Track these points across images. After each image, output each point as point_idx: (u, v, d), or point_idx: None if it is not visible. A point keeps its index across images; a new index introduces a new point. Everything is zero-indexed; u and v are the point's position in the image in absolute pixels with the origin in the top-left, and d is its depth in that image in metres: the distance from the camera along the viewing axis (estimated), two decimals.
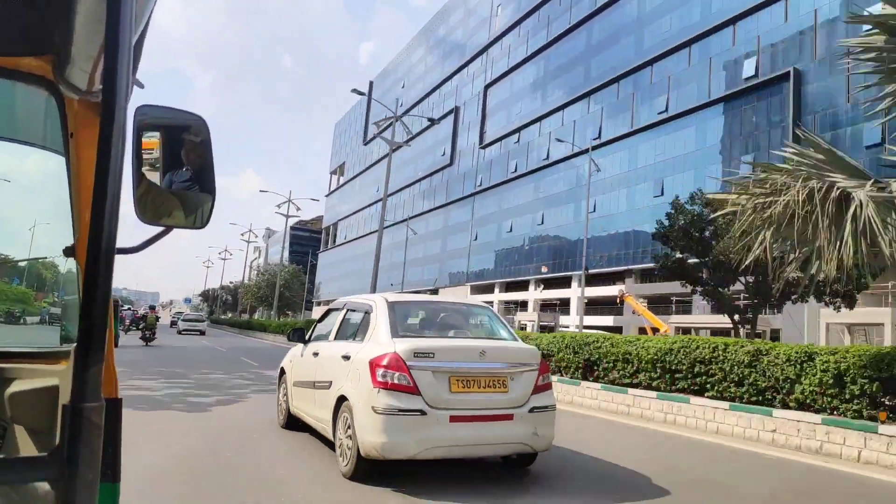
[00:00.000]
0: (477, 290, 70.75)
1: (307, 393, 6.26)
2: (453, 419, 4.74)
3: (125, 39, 0.86)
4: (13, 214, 1.98)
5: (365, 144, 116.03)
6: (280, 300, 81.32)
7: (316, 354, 6.29)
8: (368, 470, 4.85)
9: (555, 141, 59.19)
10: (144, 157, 1.32)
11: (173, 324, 55.92)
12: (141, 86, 1.71)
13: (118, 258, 0.96)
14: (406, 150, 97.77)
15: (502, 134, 68.51)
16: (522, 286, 62.35)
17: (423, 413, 4.68)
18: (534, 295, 60.03)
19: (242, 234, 72.07)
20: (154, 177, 1.33)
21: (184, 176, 1.37)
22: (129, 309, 39.07)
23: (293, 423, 6.86)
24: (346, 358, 5.35)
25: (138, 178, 1.30)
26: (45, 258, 2.06)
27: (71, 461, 0.85)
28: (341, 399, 5.21)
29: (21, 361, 1.57)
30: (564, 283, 56.56)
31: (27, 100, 1.56)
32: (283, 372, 7.32)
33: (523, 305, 62.85)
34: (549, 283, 58.53)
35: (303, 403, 6.44)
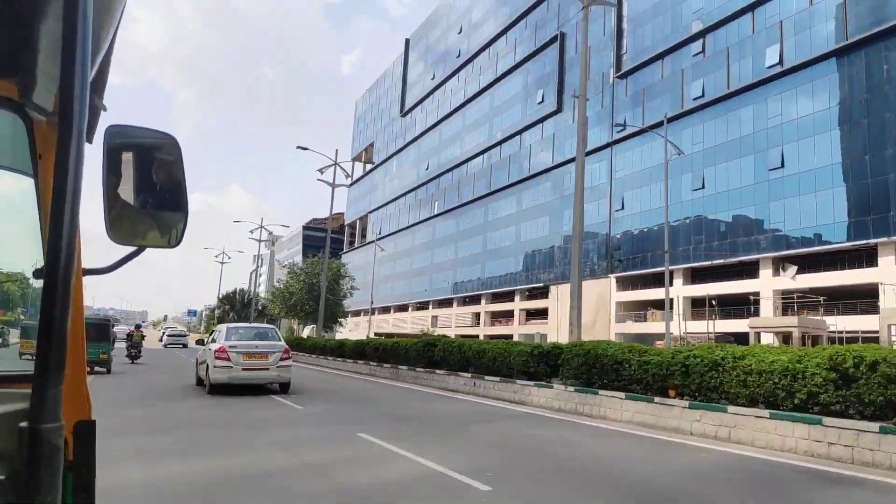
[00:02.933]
0: (635, 283, 47.31)
1: (201, 366, 15.27)
2: (244, 369, 13.78)
3: (81, 57, 0.84)
4: None
5: (403, 115, 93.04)
6: (322, 309, 57.74)
7: (205, 350, 15.28)
8: (214, 389, 13.98)
9: (794, 28, 36.34)
10: (116, 177, 1.31)
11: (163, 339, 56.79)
12: (104, 109, 1.65)
13: (95, 279, 1.12)
14: (477, 106, 74.89)
15: (668, 46, 45.65)
16: (738, 272, 39.12)
17: (231, 367, 13.69)
18: (773, 283, 36.83)
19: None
20: (126, 196, 1.33)
21: (156, 195, 1.37)
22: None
23: (199, 382, 15.66)
24: (210, 349, 14.35)
25: (110, 198, 1.30)
26: (16, 280, 2.07)
27: (29, 484, 0.83)
28: (207, 366, 14.28)
29: None
30: (860, 258, 33.50)
31: None
32: (197, 360, 16.41)
33: (733, 304, 39.72)
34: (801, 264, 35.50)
35: (200, 371, 15.50)
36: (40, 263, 1.29)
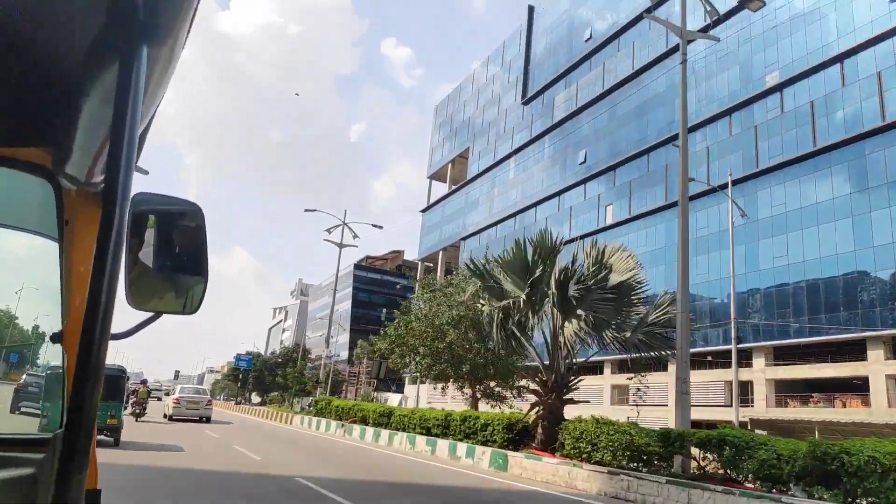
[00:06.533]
0: None
1: (167, 408, 32.52)
2: (186, 408, 30.98)
3: (131, 134, 0.86)
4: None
5: (526, 102, 66.98)
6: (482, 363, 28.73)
7: (171, 399, 33.91)
8: (172, 419, 30.21)
9: None
10: (138, 242, 1.32)
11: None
12: (145, 172, 1.59)
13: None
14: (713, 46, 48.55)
15: None
16: None
17: (180, 407, 30.91)
18: None
19: None
20: (147, 263, 1.34)
21: (177, 262, 1.38)
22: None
23: (164, 416, 31.68)
24: (170, 398, 34.11)
25: (131, 263, 1.31)
26: (30, 344, 2.02)
27: None
28: (168, 406, 32.41)
29: None
30: None
31: (24, 187, 1.53)
32: (166, 405, 34.10)
33: None
34: None
35: (167, 410, 32.08)
36: (58, 327, 1.39)
